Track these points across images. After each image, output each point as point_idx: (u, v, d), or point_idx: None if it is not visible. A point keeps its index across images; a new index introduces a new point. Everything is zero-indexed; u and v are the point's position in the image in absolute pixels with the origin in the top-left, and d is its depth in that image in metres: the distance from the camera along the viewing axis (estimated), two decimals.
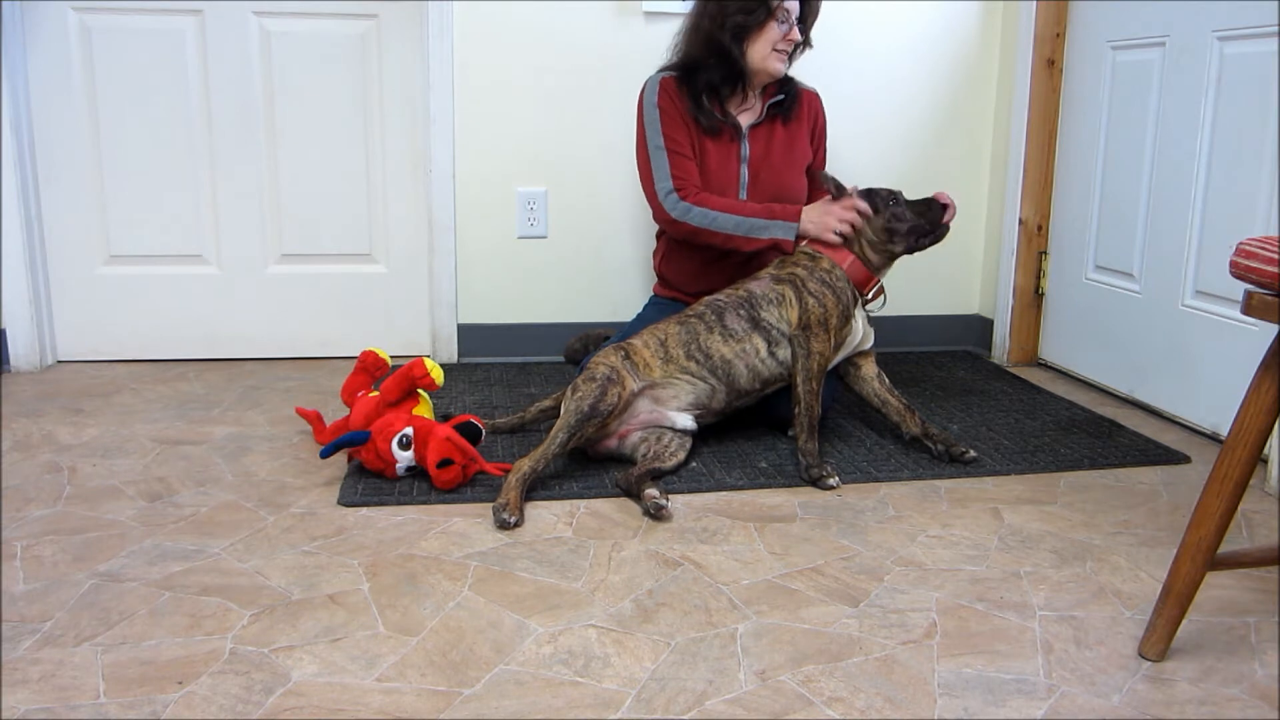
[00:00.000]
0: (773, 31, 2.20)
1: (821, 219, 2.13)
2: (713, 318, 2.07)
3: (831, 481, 1.95)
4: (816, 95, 2.41)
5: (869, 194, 2.12)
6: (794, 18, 2.22)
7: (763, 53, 2.21)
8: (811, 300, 2.03)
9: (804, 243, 2.15)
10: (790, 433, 2.11)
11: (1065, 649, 1.39)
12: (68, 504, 1.82)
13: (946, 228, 2.10)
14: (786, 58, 2.26)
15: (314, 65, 2.72)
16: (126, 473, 1.98)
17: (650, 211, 2.31)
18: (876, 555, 1.67)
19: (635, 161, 2.33)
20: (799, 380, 2.02)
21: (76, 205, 2.71)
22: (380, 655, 1.34)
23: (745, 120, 2.31)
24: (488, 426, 2.16)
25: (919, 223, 2.08)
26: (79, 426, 2.25)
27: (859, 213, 2.09)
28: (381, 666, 1.32)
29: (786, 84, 2.34)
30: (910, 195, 2.94)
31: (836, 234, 2.10)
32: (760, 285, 2.10)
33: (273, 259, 2.82)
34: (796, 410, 2.03)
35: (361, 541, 1.69)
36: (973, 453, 2.08)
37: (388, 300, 2.88)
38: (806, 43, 2.31)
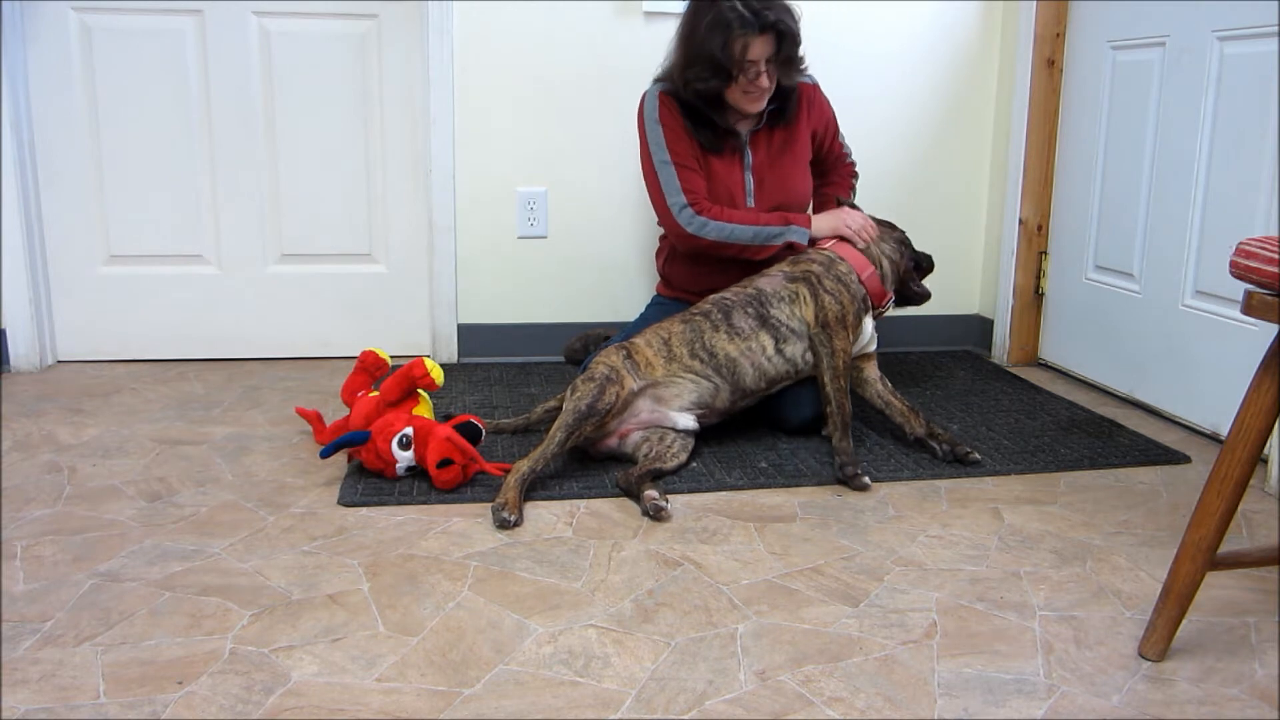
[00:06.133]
0: (735, 89, 2.16)
1: (834, 221, 2.21)
2: (719, 316, 2.07)
3: (865, 480, 1.94)
4: (815, 86, 2.37)
5: (880, 222, 2.28)
6: (763, 63, 2.12)
7: (734, 98, 2.19)
8: (828, 298, 2.04)
9: (829, 244, 2.18)
10: (824, 431, 2.13)
11: (1065, 649, 1.39)
12: (68, 504, 1.82)
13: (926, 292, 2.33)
14: (763, 97, 2.19)
15: (314, 65, 2.72)
16: (126, 473, 1.98)
17: (654, 215, 2.31)
18: (876, 555, 1.67)
19: (640, 172, 2.32)
20: (827, 379, 2.03)
21: (76, 205, 2.71)
22: (380, 655, 1.34)
23: (744, 128, 2.29)
24: (491, 427, 2.16)
25: (923, 254, 2.31)
26: (79, 426, 2.25)
27: (868, 228, 2.21)
28: (381, 666, 1.32)
29: (782, 90, 2.28)
30: (911, 194, 2.98)
31: (856, 243, 2.19)
32: (771, 283, 2.10)
33: (273, 259, 2.82)
34: (828, 409, 2.03)
35: (361, 541, 1.69)
36: (977, 455, 2.07)
37: (388, 300, 2.88)
38: (797, 68, 2.23)
